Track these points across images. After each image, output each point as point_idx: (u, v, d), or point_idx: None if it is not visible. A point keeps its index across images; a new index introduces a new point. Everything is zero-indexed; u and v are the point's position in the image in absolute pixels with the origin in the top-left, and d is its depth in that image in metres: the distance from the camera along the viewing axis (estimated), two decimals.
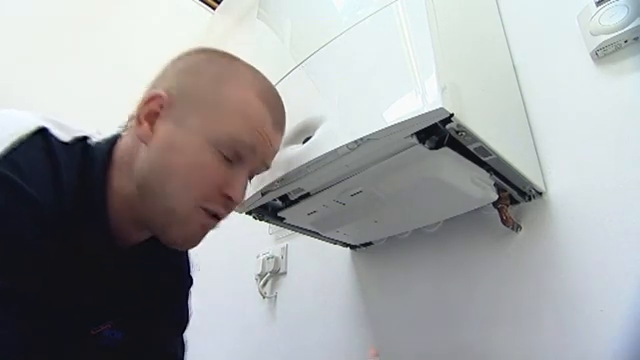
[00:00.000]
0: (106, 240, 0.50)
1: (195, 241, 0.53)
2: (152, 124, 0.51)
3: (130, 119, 0.54)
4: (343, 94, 0.63)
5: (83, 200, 0.46)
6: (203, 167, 0.50)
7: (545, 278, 0.69)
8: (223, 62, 0.56)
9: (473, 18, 0.78)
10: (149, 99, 0.51)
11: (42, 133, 0.45)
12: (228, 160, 0.51)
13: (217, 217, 0.53)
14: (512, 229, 0.72)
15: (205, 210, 0.51)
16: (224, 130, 0.51)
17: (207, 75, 0.53)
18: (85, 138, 0.51)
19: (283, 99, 0.74)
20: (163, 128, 0.51)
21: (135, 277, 0.57)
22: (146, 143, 0.50)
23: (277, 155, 0.67)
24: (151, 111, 0.51)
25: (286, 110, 0.70)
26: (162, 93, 0.51)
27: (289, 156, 0.65)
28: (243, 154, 0.52)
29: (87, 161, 0.49)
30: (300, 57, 0.71)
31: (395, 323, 0.89)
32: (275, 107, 0.56)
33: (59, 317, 0.48)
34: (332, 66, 0.66)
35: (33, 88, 1.44)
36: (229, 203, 0.52)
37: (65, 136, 0.48)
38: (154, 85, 0.54)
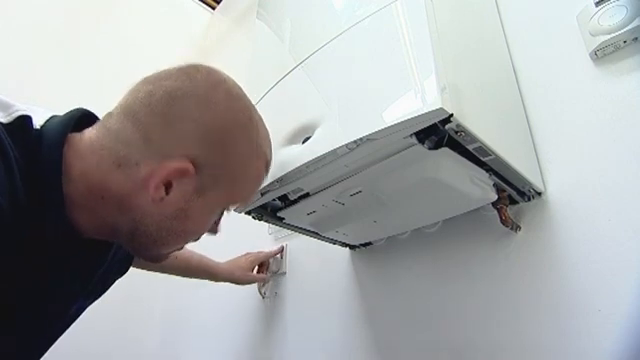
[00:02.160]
0: (68, 233, 0.47)
1: (164, 260, 0.58)
2: (169, 187, 0.48)
3: (115, 142, 0.47)
4: (342, 94, 0.63)
5: (34, 195, 0.42)
6: (206, 226, 0.55)
7: (544, 278, 0.69)
8: (250, 129, 0.53)
9: (472, 18, 0.78)
10: (174, 170, 0.47)
11: None
12: None
13: None
14: (511, 229, 0.72)
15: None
16: (238, 200, 0.56)
17: (237, 155, 0.52)
18: (24, 118, 0.45)
19: (283, 99, 0.74)
20: (181, 194, 0.49)
21: (101, 260, 0.58)
22: (156, 203, 0.48)
23: (277, 155, 0.67)
24: (171, 177, 0.47)
25: (286, 110, 0.70)
26: (189, 167, 0.47)
27: (288, 156, 0.65)
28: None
29: (32, 151, 0.44)
30: (299, 57, 0.71)
31: (394, 323, 0.89)
32: (269, 166, 0.59)
33: (21, 307, 0.49)
34: (331, 66, 0.66)
35: (32, 88, 1.44)
36: (208, 233, 0.58)
37: (3, 114, 0.43)
38: (171, 135, 0.47)
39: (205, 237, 0.58)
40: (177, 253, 0.95)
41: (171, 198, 0.48)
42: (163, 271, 0.97)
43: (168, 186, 0.48)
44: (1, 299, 0.45)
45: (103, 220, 0.49)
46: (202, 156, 0.49)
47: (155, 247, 0.52)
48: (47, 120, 0.48)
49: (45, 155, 0.44)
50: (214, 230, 0.58)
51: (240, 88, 0.55)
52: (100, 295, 0.66)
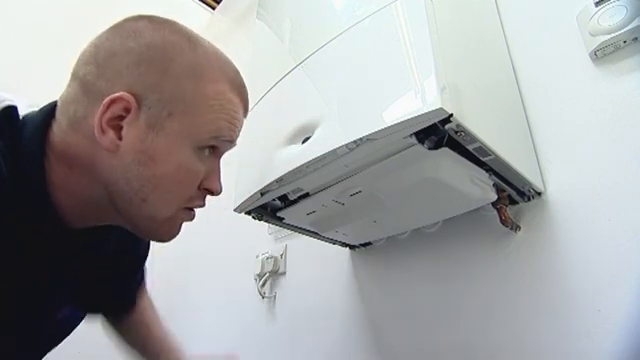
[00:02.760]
0: (53, 225, 0.46)
1: (174, 236, 0.52)
2: (118, 130, 0.45)
3: (65, 104, 0.47)
4: (342, 94, 0.63)
5: (19, 183, 0.42)
6: (189, 174, 0.48)
7: (543, 278, 0.69)
8: (186, 48, 0.48)
9: (472, 18, 0.78)
10: (110, 102, 0.44)
11: None
12: (207, 155, 0.50)
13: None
14: (511, 229, 0.72)
15: (186, 208, 0.51)
16: (207, 131, 0.48)
17: (175, 70, 0.47)
18: (9, 108, 0.45)
19: (283, 99, 0.74)
20: (134, 134, 0.45)
21: (91, 256, 0.55)
22: (113, 152, 0.45)
23: (276, 155, 0.67)
24: (114, 116, 0.44)
25: (286, 110, 0.69)
26: (125, 95, 0.44)
27: (288, 156, 0.65)
28: (221, 147, 0.52)
29: (16, 138, 0.44)
30: (299, 57, 0.71)
31: (394, 323, 0.89)
32: (243, 92, 0.53)
33: (18, 302, 0.48)
34: (331, 66, 0.66)
35: (32, 89, 1.44)
36: (209, 195, 0.52)
37: None
38: (104, 76, 0.46)
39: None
40: (142, 317, 0.78)
41: (126, 143, 0.45)
42: (120, 340, 0.78)
43: (118, 129, 0.45)
44: (1, 299, 0.45)
45: (80, 196, 0.46)
46: (138, 83, 0.45)
47: (139, 209, 0.47)
48: (31, 111, 0.48)
49: (27, 143, 0.44)
50: (214, 187, 0.51)
51: (170, 20, 0.52)
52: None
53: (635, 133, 0.64)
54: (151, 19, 0.50)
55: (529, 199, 0.73)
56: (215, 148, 0.51)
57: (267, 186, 0.68)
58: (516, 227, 0.73)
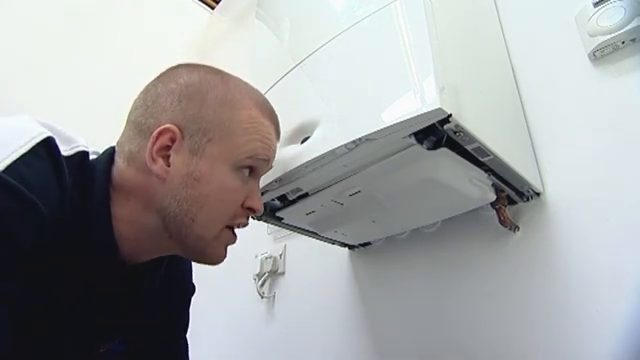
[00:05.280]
0: (112, 259, 0.50)
1: (223, 257, 0.57)
2: (166, 158, 0.50)
3: (121, 145, 0.53)
4: (341, 94, 0.63)
5: (85, 220, 0.47)
6: (231, 192, 0.53)
7: (542, 278, 0.69)
8: (219, 82, 0.55)
9: (471, 19, 0.78)
10: (158, 134, 0.50)
11: (48, 145, 0.44)
12: (246, 176, 0.55)
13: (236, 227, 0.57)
14: (510, 229, 0.73)
15: (229, 227, 0.55)
16: (243, 152, 0.53)
17: (211, 100, 0.53)
18: (84, 153, 0.51)
19: (282, 99, 0.74)
20: (180, 161, 0.50)
21: (140, 292, 0.59)
22: (164, 179, 0.50)
23: (276, 155, 0.67)
24: (162, 146, 0.50)
25: (285, 110, 0.69)
26: (170, 127, 0.50)
27: (287, 156, 0.65)
28: (258, 167, 0.56)
29: (88, 180, 0.49)
30: (298, 57, 0.71)
31: (393, 323, 0.89)
32: (273, 116, 0.59)
33: (65, 335, 0.50)
34: (330, 66, 0.66)
35: (32, 88, 1.44)
36: (251, 214, 0.57)
37: (66, 148, 0.48)
38: (152, 115, 0.52)
39: None
40: None
41: (173, 169, 0.50)
42: None
43: (166, 158, 0.51)
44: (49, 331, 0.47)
45: (137, 225, 0.51)
46: (180, 116, 0.52)
47: (189, 229, 0.51)
48: (100, 154, 0.54)
49: (97, 184, 0.49)
50: (255, 206, 0.56)
51: (203, 64, 0.58)
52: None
53: (634, 133, 0.65)
54: (187, 64, 0.57)
55: (528, 199, 0.73)
56: (253, 169, 0.56)
57: (266, 186, 0.68)
58: (515, 227, 0.73)
